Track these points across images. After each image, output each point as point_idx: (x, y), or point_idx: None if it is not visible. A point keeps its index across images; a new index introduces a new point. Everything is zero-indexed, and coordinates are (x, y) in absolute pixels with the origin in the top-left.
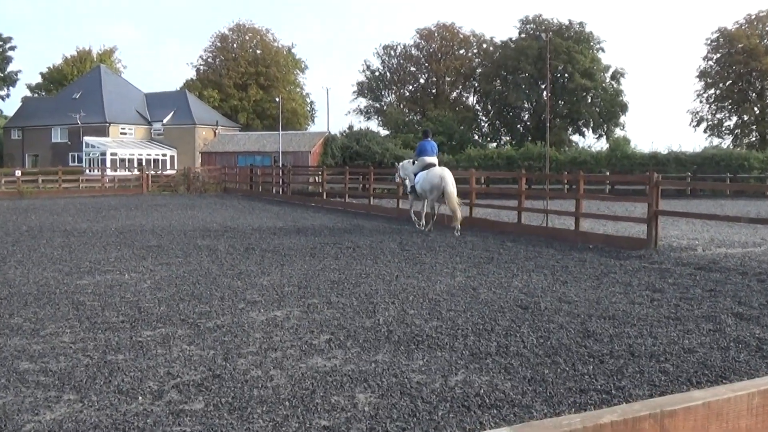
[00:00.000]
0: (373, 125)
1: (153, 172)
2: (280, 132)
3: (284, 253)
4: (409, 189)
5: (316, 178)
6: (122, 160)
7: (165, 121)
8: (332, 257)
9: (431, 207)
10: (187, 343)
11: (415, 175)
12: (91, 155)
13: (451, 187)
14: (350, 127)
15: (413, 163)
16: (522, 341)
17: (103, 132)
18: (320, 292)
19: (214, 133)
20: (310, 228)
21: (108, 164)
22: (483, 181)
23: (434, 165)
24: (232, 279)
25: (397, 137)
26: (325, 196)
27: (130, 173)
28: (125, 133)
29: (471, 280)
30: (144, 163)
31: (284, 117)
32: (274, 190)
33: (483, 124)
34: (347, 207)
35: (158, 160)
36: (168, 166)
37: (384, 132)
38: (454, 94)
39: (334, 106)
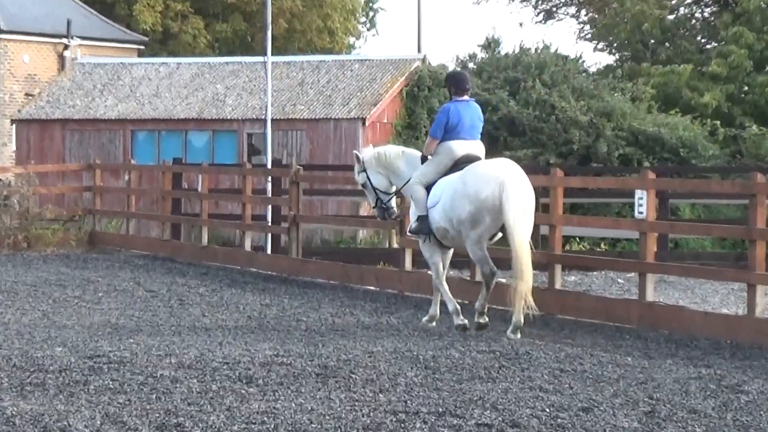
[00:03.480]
0: (565, 42)
1: None
2: (269, 58)
3: None
4: (412, 224)
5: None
6: None
7: None
8: None
9: (484, 263)
10: None
11: (428, 188)
12: None
13: (522, 215)
14: (491, 44)
15: (424, 157)
16: None
17: None
18: None
19: (61, 58)
20: (385, 382)
21: None
22: None
23: (476, 157)
24: None
25: (644, 78)
26: (409, 264)
27: None
28: None
29: None
30: None
31: (280, 13)
32: (247, 243)
33: None
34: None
35: None
36: None
37: (596, 60)
38: None
39: None
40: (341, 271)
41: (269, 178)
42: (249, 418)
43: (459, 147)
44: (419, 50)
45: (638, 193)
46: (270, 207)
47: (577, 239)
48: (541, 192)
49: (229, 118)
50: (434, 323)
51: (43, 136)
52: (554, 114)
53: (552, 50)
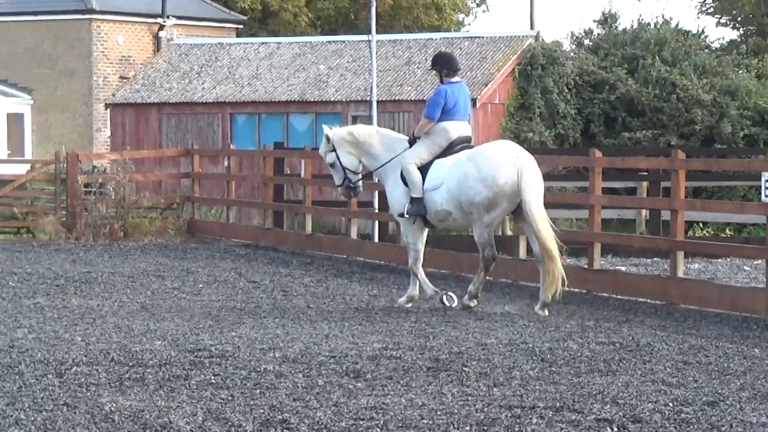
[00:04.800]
0: (686, 16)
1: None
2: (374, 36)
3: None
4: (407, 206)
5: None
6: None
7: None
8: None
9: (488, 247)
10: None
11: (424, 169)
12: None
13: (540, 199)
14: (608, 19)
15: (412, 138)
16: None
17: None
18: None
19: (156, 39)
20: None
21: None
22: None
23: (468, 138)
24: None
25: None
26: (523, 252)
27: None
28: None
29: None
30: None
31: None
32: (353, 231)
33: None
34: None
35: None
36: (4, 150)
37: (719, 36)
38: None
39: None
40: (452, 260)
41: None
42: (357, 414)
43: (453, 128)
44: (532, 26)
45: (765, 175)
46: (377, 193)
47: (701, 225)
48: (662, 175)
49: (332, 100)
50: (411, 304)
51: (139, 121)
52: (675, 93)
53: (672, 25)
